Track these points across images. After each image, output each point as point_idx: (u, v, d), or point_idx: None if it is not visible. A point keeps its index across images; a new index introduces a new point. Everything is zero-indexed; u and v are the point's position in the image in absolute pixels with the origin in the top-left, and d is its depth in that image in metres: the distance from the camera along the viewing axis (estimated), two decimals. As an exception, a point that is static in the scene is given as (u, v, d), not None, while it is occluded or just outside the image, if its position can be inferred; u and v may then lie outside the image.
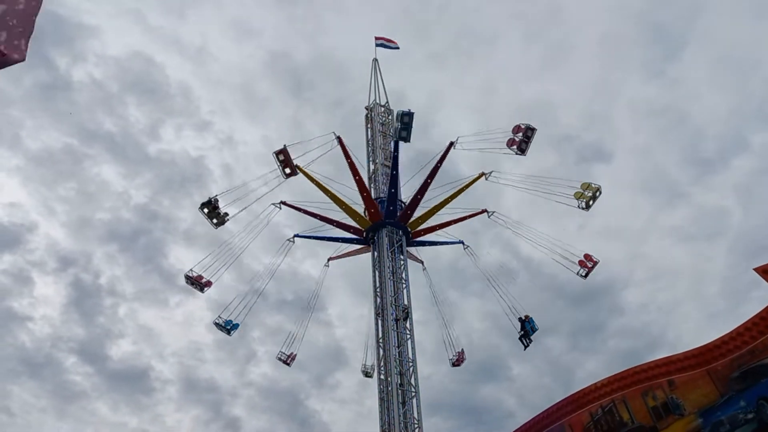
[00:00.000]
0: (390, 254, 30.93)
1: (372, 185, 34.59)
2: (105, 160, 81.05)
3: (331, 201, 32.01)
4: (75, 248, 77.49)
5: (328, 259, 35.20)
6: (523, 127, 30.19)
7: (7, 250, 74.09)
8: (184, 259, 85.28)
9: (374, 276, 31.52)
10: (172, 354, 79.34)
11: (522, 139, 30.25)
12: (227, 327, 32.11)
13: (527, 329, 31.42)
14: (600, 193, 30.59)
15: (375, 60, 39.00)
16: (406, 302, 30.86)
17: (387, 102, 37.85)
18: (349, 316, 78.43)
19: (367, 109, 37.58)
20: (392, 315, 29.65)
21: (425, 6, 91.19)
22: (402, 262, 31.58)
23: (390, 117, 37.39)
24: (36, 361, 70.38)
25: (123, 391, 77.49)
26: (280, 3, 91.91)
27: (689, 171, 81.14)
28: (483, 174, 32.24)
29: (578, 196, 30.81)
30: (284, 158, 30.88)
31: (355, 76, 75.95)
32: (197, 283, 31.51)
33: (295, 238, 33.74)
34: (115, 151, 79.24)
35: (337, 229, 33.20)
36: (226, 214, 31.54)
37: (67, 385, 71.14)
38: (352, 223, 32.45)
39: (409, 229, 32.38)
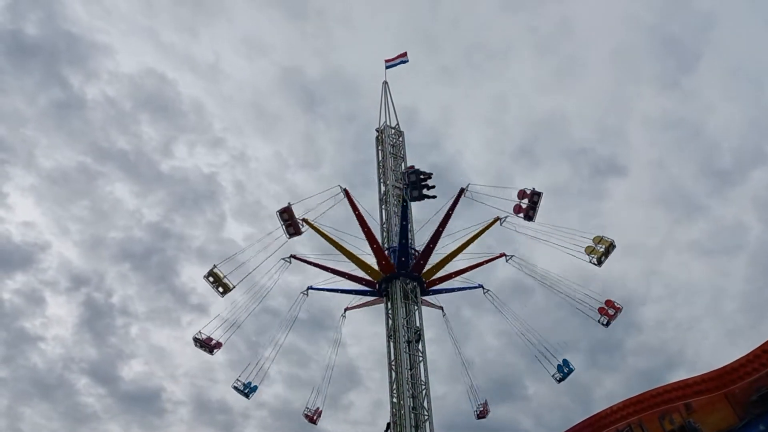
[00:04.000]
0: (404, 305, 30.77)
1: (384, 208, 34.67)
2: (118, 178, 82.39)
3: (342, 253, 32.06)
4: (87, 267, 78.47)
5: (345, 309, 35.34)
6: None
7: (20, 270, 75.14)
8: (198, 277, 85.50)
9: (387, 322, 31.36)
10: (184, 374, 79.66)
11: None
12: (245, 391, 32.03)
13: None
14: (614, 247, 30.49)
15: (385, 83, 39.45)
16: (418, 324, 30.77)
17: (397, 124, 38.12)
18: (362, 334, 78.24)
19: (377, 131, 37.79)
20: (404, 337, 29.58)
21: (436, 20, 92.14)
22: (416, 309, 31.38)
23: (400, 139, 37.61)
24: (48, 382, 70.97)
25: (135, 412, 77.64)
26: (291, 19, 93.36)
27: (706, 184, 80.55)
28: (498, 219, 32.15)
29: (589, 251, 30.77)
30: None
31: (367, 91, 76.41)
32: (206, 345, 31.63)
33: (309, 290, 34.01)
34: (128, 168, 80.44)
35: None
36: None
37: (78, 407, 71.59)
38: (364, 274, 32.42)
39: (424, 279, 32.13)
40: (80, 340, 76.31)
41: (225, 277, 31.35)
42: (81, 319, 76.85)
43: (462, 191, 31.51)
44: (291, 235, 31.46)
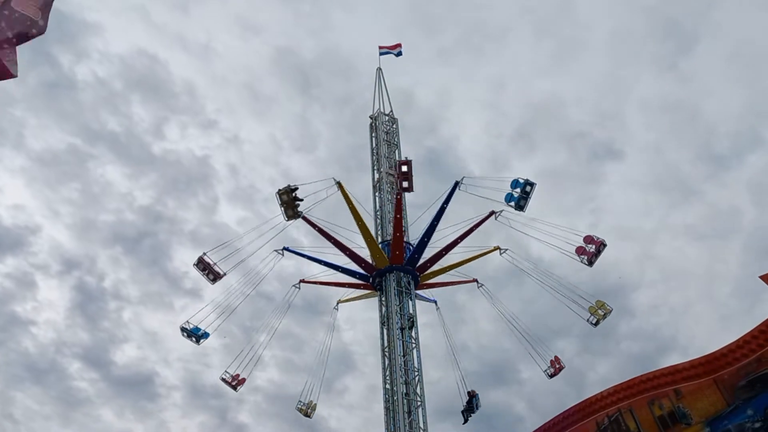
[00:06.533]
0: (398, 299, 30.54)
1: (377, 195, 34.62)
2: (109, 160, 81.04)
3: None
4: (79, 251, 77.16)
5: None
6: (597, 240, 29.59)
7: (11, 253, 74.57)
8: (190, 261, 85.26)
9: (380, 309, 31.27)
10: (178, 359, 78.57)
11: (594, 252, 29.66)
12: (196, 333, 31.49)
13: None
14: (610, 313, 29.99)
15: (379, 69, 39.14)
16: (411, 311, 30.92)
17: (391, 111, 37.89)
18: (356, 319, 78.52)
19: (371, 117, 37.55)
20: (397, 324, 29.75)
21: (433, 0, 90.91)
22: (409, 301, 31.21)
23: (394, 126, 37.43)
24: (40, 366, 70.20)
25: (128, 397, 77.76)
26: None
27: (702, 168, 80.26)
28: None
29: (592, 311, 30.24)
30: (204, 266, 31.02)
31: (364, 73, 75.77)
32: (230, 384, 31.76)
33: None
34: (119, 150, 79.17)
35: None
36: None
37: (71, 391, 70.97)
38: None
39: (418, 273, 31.62)
40: (72, 324, 75.65)
41: (215, 264, 31.27)
42: (73, 303, 76.02)
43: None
44: (212, 281, 31.45)
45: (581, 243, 29.70)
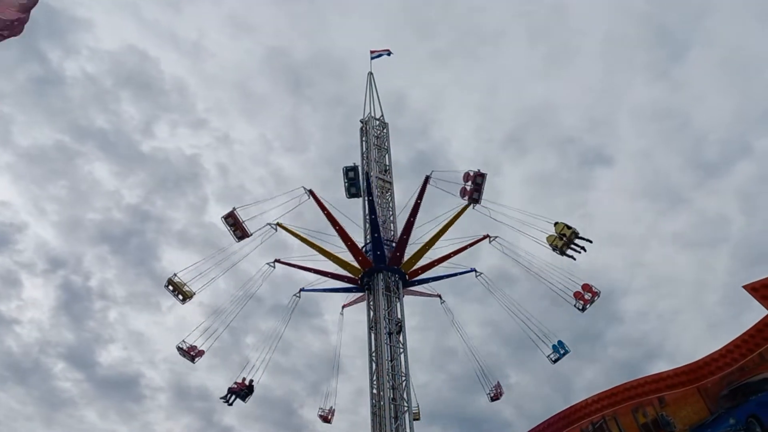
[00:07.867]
0: (386, 299, 30.66)
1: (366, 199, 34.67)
2: (97, 158, 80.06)
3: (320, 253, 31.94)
4: (65, 249, 76.30)
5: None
6: (594, 290, 30.32)
7: (-5, 250, 74.02)
8: (178, 261, 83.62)
9: (368, 313, 31.34)
10: (163, 360, 77.52)
11: (589, 299, 30.38)
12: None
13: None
14: (576, 236, 29.82)
15: (370, 73, 39.02)
16: (399, 316, 30.98)
17: (382, 115, 37.94)
18: (345, 321, 78.23)
19: (362, 122, 37.64)
20: (385, 329, 29.79)
21: (428, 3, 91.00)
22: (397, 302, 31.29)
23: (385, 130, 37.52)
24: (23, 366, 69.45)
25: (112, 398, 76.46)
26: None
27: (691, 176, 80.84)
28: (470, 203, 31.13)
29: (551, 241, 30.26)
30: (174, 287, 31.15)
31: (356, 74, 75.75)
32: (188, 354, 31.44)
33: (302, 293, 34.51)
34: (108, 148, 78.25)
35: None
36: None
37: (55, 391, 70.22)
38: (347, 273, 32.26)
39: (404, 271, 31.78)
40: (57, 324, 74.75)
41: (186, 284, 31.24)
42: (58, 302, 75.15)
43: (427, 179, 31.08)
44: (182, 301, 31.54)
45: (578, 288, 30.31)
